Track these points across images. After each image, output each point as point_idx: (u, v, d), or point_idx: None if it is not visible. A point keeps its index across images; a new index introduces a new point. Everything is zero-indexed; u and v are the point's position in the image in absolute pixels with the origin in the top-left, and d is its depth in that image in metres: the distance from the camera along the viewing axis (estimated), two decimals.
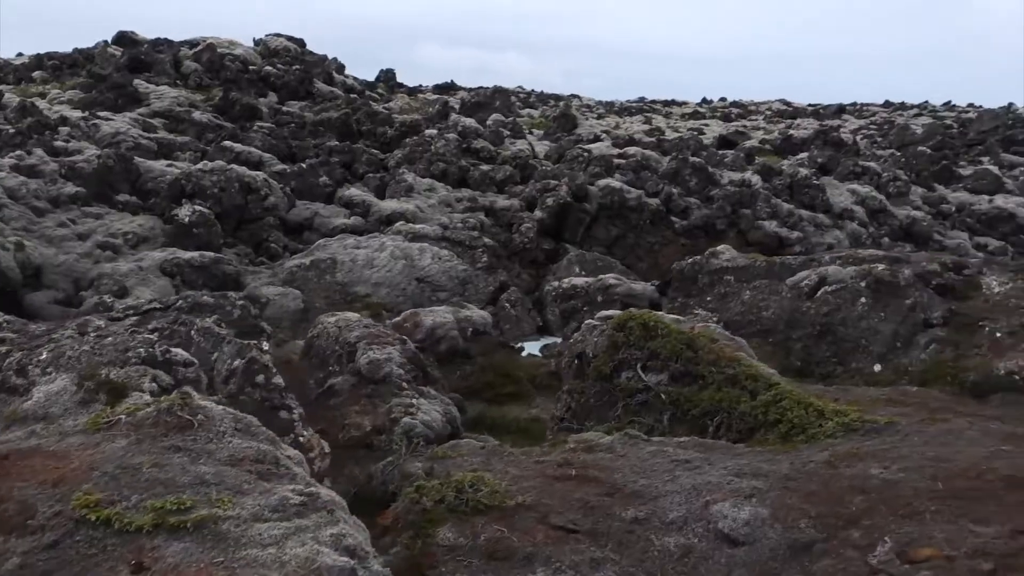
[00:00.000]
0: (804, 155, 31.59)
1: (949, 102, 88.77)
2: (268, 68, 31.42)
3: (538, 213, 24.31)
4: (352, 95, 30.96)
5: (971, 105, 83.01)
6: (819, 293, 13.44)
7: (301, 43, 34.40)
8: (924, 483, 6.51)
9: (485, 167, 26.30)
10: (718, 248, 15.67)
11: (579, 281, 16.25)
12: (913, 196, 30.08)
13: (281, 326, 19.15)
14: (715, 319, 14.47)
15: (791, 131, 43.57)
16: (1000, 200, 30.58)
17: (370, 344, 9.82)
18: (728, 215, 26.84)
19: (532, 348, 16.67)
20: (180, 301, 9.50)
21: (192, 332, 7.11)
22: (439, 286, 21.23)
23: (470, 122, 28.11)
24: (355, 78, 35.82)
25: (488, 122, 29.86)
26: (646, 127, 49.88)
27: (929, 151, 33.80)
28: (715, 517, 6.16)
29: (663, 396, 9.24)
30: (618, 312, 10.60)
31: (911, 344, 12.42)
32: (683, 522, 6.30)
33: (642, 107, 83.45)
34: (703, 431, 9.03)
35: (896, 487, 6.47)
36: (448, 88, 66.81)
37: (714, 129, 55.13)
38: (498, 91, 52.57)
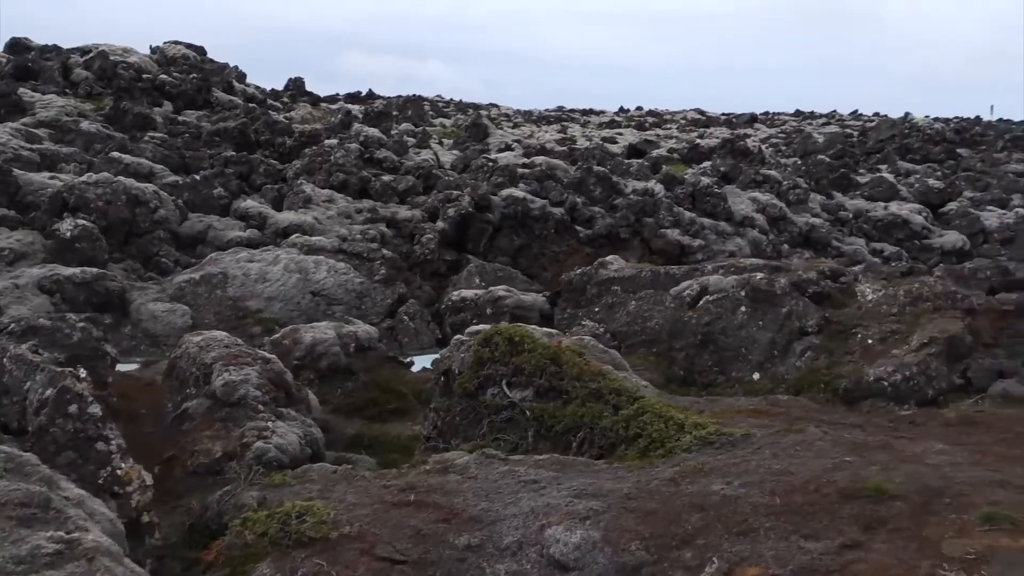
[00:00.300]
0: (708, 164, 32.03)
1: (856, 111, 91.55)
2: (164, 76, 30.47)
3: (440, 224, 24.04)
4: (251, 104, 30.23)
5: (876, 114, 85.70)
6: (701, 303, 13.47)
7: (201, 51, 33.46)
8: (763, 498, 6.43)
9: (387, 177, 25.94)
10: (606, 259, 15.62)
11: (469, 293, 16.03)
12: (812, 203, 30.75)
13: (168, 344, 18.52)
14: (601, 329, 14.41)
15: (698, 140, 44.25)
16: (895, 207, 31.49)
17: (226, 365, 9.40)
18: (632, 224, 27.00)
19: (424, 362, 16.35)
20: (12, 324, 8.92)
21: (4, 359, 6.62)
22: (335, 300, 20.78)
23: (373, 132, 27.68)
24: (257, 87, 35.03)
25: (393, 132, 29.47)
26: (560, 136, 50.04)
27: (828, 160, 34.67)
28: (548, 542, 5.97)
29: (527, 413, 9.06)
30: (486, 327, 10.39)
31: (788, 352, 12.52)
32: (517, 547, 6.10)
33: (560, 116, 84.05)
34: (567, 447, 8.87)
35: (735, 503, 6.38)
36: (366, 98, 66.17)
37: (628, 138, 55.66)
38: (410, 101, 52.31)
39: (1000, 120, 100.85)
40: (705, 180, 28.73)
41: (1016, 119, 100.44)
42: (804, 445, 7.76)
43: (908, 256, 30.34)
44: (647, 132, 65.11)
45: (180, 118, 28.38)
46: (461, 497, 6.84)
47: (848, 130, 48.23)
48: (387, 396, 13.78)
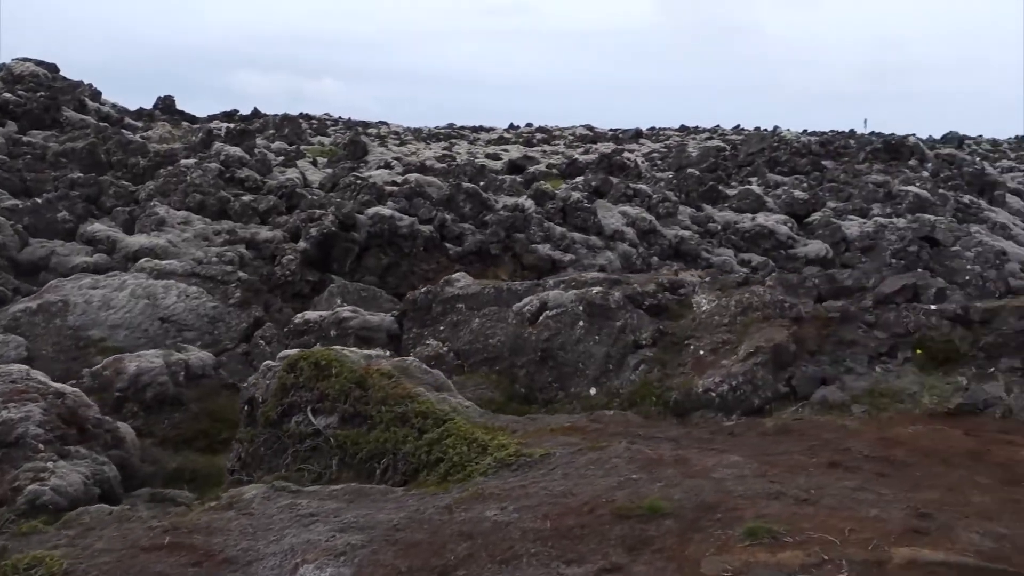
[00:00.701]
0: (580, 179, 32.26)
1: (738, 125, 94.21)
2: (7, 95, 28.88)
3: (302, 244, 23.39)
4: (103, 123, 28.94)
5: (757, 128, 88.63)
6: (541, 318, 13.33)
7: (53, 68, 31.87)
8: (535, 523, 6.21)
9: (248, 197, 25.13)
10: (453, 276, 15.38)
11: (313, 315, 15.51)
12: (682, 216, 31.28)
13: None
14: (445, 348, 14.12)
15: (576, 156, 44.68)
16: (761, 218, 32.31)
17: (7, 402, 8.69)
18: (502, 240, 26.87)
19: None
20: None
21: None
22: (186, 325, 19.88)
23: (235, 151, 26.83)
24: (115, 105, 33.61)
25: (257, 150, 28.64)
26: (441, 153, 49.79)
27: (698, 173, 35.43)
28: None
29: (332, 440, 8.66)
30: (294, 351, 9.96)
31: (623, 366, 12.47)
32: None
33: (450, 133, 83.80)
34: (370, 475, 8.53)
35: (505, 530, 6.13)
36: (250, 116, 64.49)
37: (513, 155, 55.87)
38: (287, 119, 51.24)
39: (872, 133, 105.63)
40: (575, 195, 28.89)
41: (887, 132, 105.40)
42: (599, 463, 7.61)
43: (775, 265, 31.16)
44: (534, 148, 65.53)
45: (24, 139, 26.92)
46: (224, 536, 6.40)
47: (721, 144, 49.61)
48: (219, 426, 13.17)
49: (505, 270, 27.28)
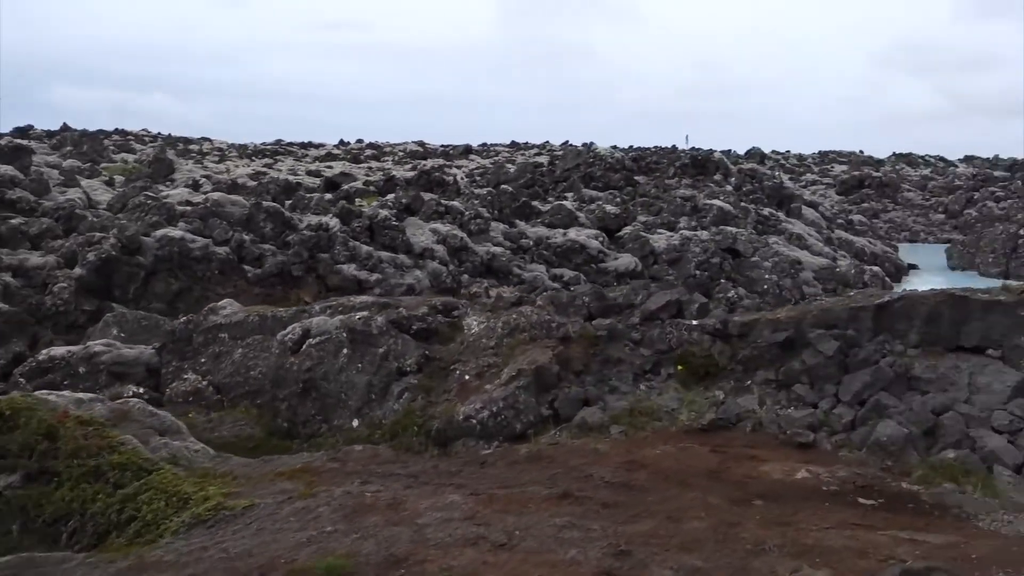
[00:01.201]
0: (391, 196, 31.64)
1: (566, 142, 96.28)
2: None
3: (78, 270, 21.61)
4: None
5: (584, 144, 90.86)
6: (304, 347, 12.59)
7: None
8: None
9: (17, 220, 23.03)
10: (218, 303, 14.37)
11: (60, 351, 14.09)
12: (495, 232, 31.19)
13: None
14: (205, 382, 13.13)
15: (394, 172, 44.06)
16: (573, 233, 32.72)
17: None
18: (305, 260, 25.87)
19: None
20: None
21: None
22: None
23: (6, 170, 24.58)
24: None
25: (33, 168, 26.38)
26: (256, 170, 47.95)
27: (511, 189, 35.57)
28: None
29: (12, 502, 7.60)
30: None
31: (386, 394, 11.90)
32: None
33: (276, 149, 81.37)
34: (56, 539, 7.52)
35: None
36: (59, 132, 60.06)
37: (336, 171, 54.61)
38: (86, 135, 48.05)
39: (692, 148, 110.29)
40: (384, 213, 28.23)
41: (705, 147, 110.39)
42: (303, 513, 6.97)
43: (586, 280, 31.58)
44: (361, 165, 64.46)
45: None
46: None
47: (539, 160, 50.29)
48: None
49: (309, 292, 26.25)
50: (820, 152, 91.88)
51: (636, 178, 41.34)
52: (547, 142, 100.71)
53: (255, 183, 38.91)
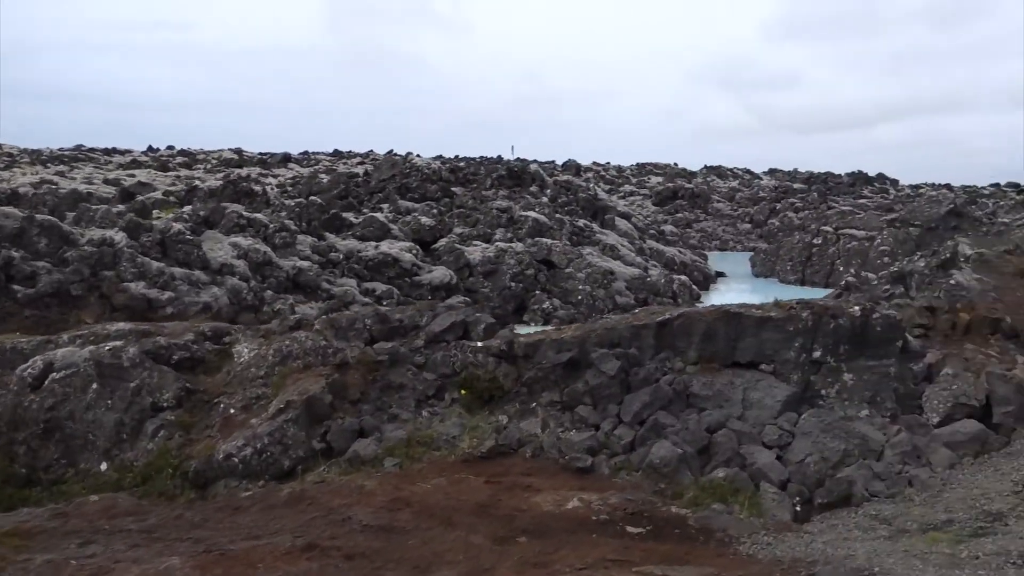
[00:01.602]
0: (188, 208, 29.75)
1: (391, 151, 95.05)
2: None
3: None
4: None
5: (410, 153, 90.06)
6: (46, 383, 11.21)
7: None
8: None
9: None
10: None
11: None
12: (302, 246, 29.93)
13: None
14: None
15: (197, 182, 41.81)
16: (386, 246, 31.91)
17: None
18: (87, 278, 23.77)
19: None
20: None
21: None
22: None
23: None
24: None
25: None
26: (41, 179, 44.24)
27: (320, 201, 34.34)
28: None
29: None
30: None
31: (139, 433, 10.75)
32: None
33: (76, 156, 75.97)
34: None
35: None
36: None
37: (140, 179, 51.26)
38: None
39: (518, 159, 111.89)
40: (177, 226, 26.42)
41: (531, 158, 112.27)
42: None
43: (400, 294, 30.88)
44: (169, 173, 61.03)
45: None
46: None
47: (355, 170, 49.19)
48: None
49: (91, 313, 24.14)
50: (638, 164, 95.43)
51: (453, 189, 41.00)
52: (371, 151, 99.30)
53: (39, 192, 35.74)
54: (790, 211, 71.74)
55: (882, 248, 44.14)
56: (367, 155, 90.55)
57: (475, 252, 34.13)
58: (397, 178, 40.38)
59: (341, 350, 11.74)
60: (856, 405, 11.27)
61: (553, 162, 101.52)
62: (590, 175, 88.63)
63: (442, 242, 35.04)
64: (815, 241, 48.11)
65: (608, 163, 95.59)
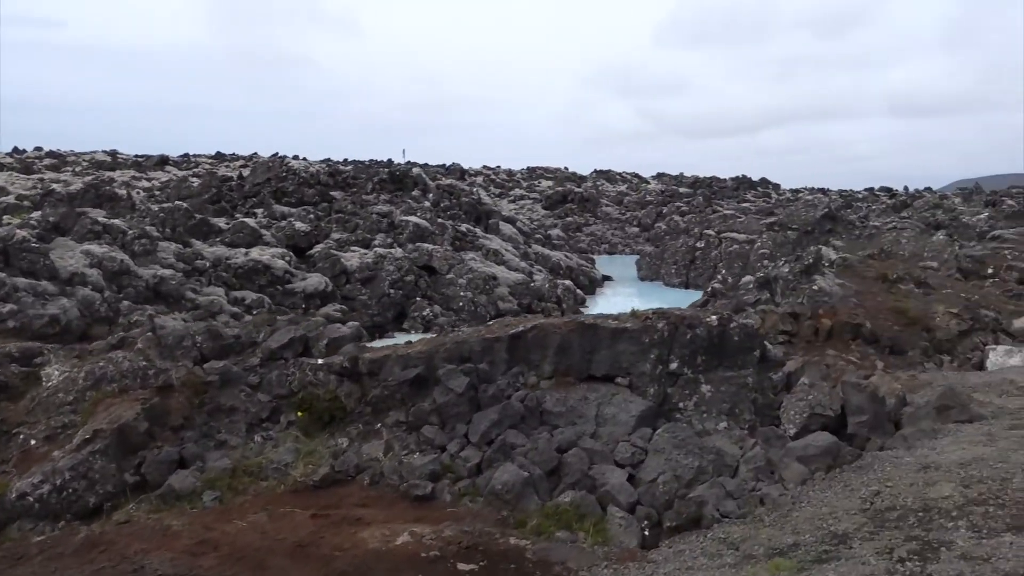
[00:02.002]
0: (37, 214, 27.70)
1: (276, 154, 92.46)
2: None
3: None
4: None
5: (296, 157, 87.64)
6: None
7: None
8: None
9: None
10: None
11: None
12: (165, 253, 28.26)
13: None
14: None
15: (54, 185, 39.31)
16: (256, 252, 30.50)
17: None
18: None
19: None
20: None
21: None
22: None
23: None
24: None
25: None
26: None
27: (186, 206, 32.61)
28: None
29: None
30: None
31: None
32: None
33: None
34: None
35: None
36: None
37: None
38: None
39: (408, 162, 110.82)
40: (21, 233, 24.45)
41: (422, 162, 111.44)
42: None
43: (271, 303, 29.55)
44: (32, 176, 57.49)
45: None
46: None
47: (228, 173, 47.23)
48: None
49: None
50: (528, 168, 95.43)
51: (332, 193, 39.69)
52: (255, 154, 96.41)
53: None
54: (676, 215, 72.94)
55: (762, 251, 45.02)
56: (250, 158, 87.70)
57: (353, 258, 33.02)
58: (272, 182, 38.84)
59: (165, 371, 10.68)
60: (714, 418, 10.90)
61: (444, 165, 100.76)
62: (479, 179, 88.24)
63: (318, 248, 33.79)
64: (698, 245, 48.78)
65: (499, 167, 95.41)
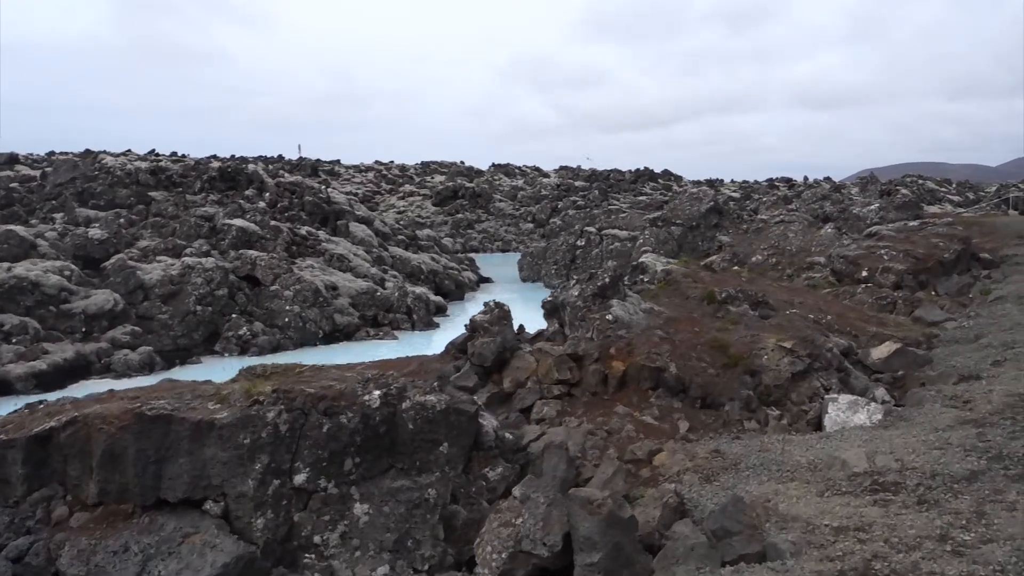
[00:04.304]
0: None
1: (174, 152, 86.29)
2: None
3: None
4: None
5: (175, 154, 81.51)
6: None
7: None
8: None
9: None
10: None
11: None
12: None
13: None
14: None
15: None
16: (24, 267, 25.46)
17: None
18: None
19: None
20: None
21: None
22: None
23: None
24: None
25: None
26: None
27: None
28: None
29: None
30: None
31: None
32: None
33: None
34: None
35: None
36: None
37: None
38: None
39: (301, 158, 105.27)
40: None
41: (320, 157, 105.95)
42: None
43: (42, 328, 24.63)
44: None
45: None
46: None
47: (30, 172, 41.74)
48: None
49: None
50: (423, 162, 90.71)
51: (152, 194, 34.65)
52: (129, 150, 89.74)
53: None
54: (572, 209, 69.41)
55: (643, 248, 41.49)
56: (125, 153, 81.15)
57: (154, 270, 28.16)
58: (78, 182, 33.59)
59: None
60: (371, 559, 6.79)
61: (361, 164, 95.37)
62: (370, 175, 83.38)
63: (118, 257, 28.85)
64: (579, 243, 45.07)
65: (392, 162, 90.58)
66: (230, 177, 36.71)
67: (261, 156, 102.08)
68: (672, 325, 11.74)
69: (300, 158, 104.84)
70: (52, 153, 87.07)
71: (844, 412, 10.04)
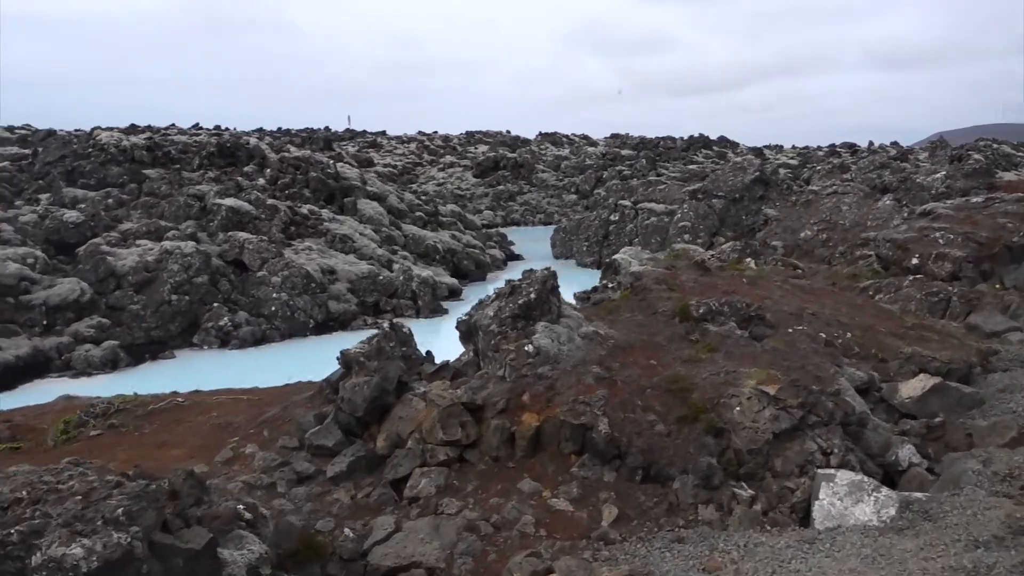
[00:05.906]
0: None
1: (218, 126, 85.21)
2: None
3: None
4: None
5: (221, 127, 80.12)
6: None
7: None
8: None
9: None
10: None
11: None
12: None
13: None
14: None
15: None
16: None
17: None
18: None
19: None
20: None
21: None
22: None
23: None
24: None
25: None
26: None
27: None
28: None
29: None
30: None
31: None
32: None
33: None
34: None
35: None
36: None
37: None
38: None
39: (347, 130, 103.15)
40: None
41: (370, 128, 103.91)
42: None
43: None
44: None
45: None
46: None
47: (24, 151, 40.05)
48: None
49: None
50: (467, 132, 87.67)
51: (146, 172, 32.48)
52: (173, 124, 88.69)
53: None
54: (616, 179, 65.70)
55: (682, 224, 37.96)
56: (170, 128, 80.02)
57: (128, 257, 25.91)
58: (68, 160, 31.58)
59: None
60: None
61: (403, 135, 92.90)
62: (412, 146, 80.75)
63: (96, 242, 26.71)
64: (612, 217, 41.70)
65: (435, 132, 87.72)
66: (229, 153, 34.36)
67: (308, 127, 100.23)
68: (619, 356, 8.69)
69: (347, 129, 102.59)
70: (96, 128, 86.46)
71: (842, 500, 6.89)
